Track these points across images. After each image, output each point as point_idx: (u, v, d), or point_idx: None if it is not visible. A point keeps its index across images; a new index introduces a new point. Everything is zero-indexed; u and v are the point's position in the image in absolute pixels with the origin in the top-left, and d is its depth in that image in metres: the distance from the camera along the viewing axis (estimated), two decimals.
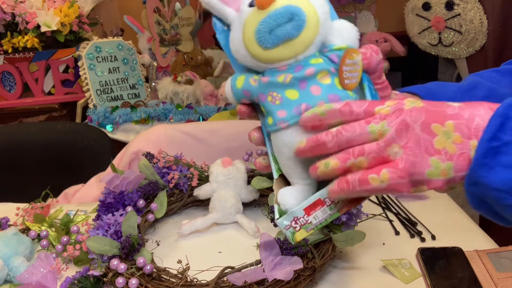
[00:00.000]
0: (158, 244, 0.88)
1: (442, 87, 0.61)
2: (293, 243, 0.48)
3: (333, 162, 0.42)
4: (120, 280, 0.71)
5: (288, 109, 0.47)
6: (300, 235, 0.48)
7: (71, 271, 0.80)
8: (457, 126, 0.40)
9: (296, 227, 0.48)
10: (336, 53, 0.47)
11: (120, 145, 1.47)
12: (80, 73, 1.76)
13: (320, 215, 0.47)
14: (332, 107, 0.44)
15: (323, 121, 0.44)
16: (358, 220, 0.79)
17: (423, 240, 0.87)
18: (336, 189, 0.43)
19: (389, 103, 0.43)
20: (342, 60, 0.46)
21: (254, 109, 0.52)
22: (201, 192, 0.96)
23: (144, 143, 1.17)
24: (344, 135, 0.42)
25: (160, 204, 0.93)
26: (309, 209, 0.47)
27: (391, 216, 0.95)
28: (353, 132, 0.42)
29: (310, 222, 0.47)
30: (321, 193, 0.46)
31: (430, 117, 0.41)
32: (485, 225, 0.95)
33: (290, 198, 0.48)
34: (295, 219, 0.47)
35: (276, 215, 0.49)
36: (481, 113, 0.40)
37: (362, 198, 0.47)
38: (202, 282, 0.70)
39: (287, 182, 0.51)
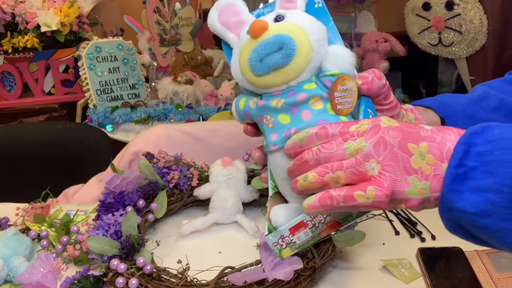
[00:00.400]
0: (158, 244, 0.88)
1: (453, 99, 0.61)
2: (280, 260, 0.50)
3: (311, 176, 0.44)
4: (120, 280, 0.71)
5: (279, 132, 0.49)
6: (286, 253, 0.50)
7: (71, 271, 0.80)
8: (430, 148, 0.41)
9: (282, 245, 0.49)
10: (329, 79, 0.48)
11: (120, 145, 1.47)
12: (80, 73, 1.76)
13: (303, 236, 0.49)
14: (309, 132, 0.45)
15: (303, 147, 0.46)
16: (358, 220, 0.79)
17: (423, 240, 0.87)
18: (317, 204, 0.43)
19: (365, 121, 0.44)
20: (333, 86, 0.47)
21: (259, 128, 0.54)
22: (201, 192, 0.96)
23: (144, 143, 1.17)
24: (323, 152, 0.44)
25: (160, 204, 0.93)
26: (293, 230, 0.49)
27: (391, 216, 0.95)
28: (331, 149, 0.43)
29: (294, 242, 0.49)
30: (304, 216, 0.48)
31: (406, 137, 0.42)
32: None
33: (281, 216, 0.50)
34: (282, 237, 0.49)
35: (266, 232, 0.50)
36: (452, 138, 0.41)
37: (342, 224, 0.48)
38: (202, 282, 0.70)
39: (281, 200, 0.52)
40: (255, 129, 0.54)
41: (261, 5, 0.55)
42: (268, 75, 0.47)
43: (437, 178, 0.41)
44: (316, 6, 0.52)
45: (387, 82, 0.51)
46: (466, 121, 0.58)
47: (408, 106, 0.58)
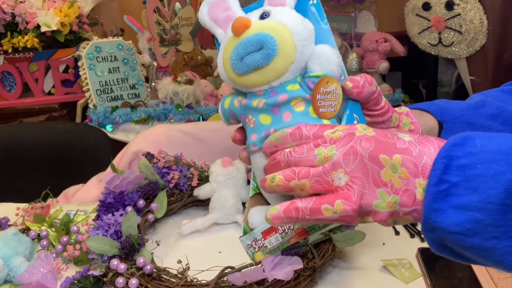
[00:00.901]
0: (158, 244, 0.88)
1: (450, 104, 0.60)
2: (254, 263, 0.50)
3: (278, 178, 0.43)
4: (120, 280, 0.71)
5: (259, 133, 0.48)
6: (258, 257, 0.50)
7: (71, 271, 0.80)
8: (404, 161, 0.39)
9: (255, 248, 0.49)
10: (312, 80, 0.46)
11: (120, 145, 1.47)
12: (80, 73, 1.76)
13: (274, 241, 0.48)
14: (284, 132, 0.45)
15: (278, 147, 0.45)
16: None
17: (423, 240, 0.87)
18: (281, 215, 0.42)
19: (340, 127, 0.43)
20: (316, 88, 0.46)
21: None
22: (201, 192, 0.96)
23: (144, 143, 1.17)
24: (293, 156, 0.43)
25: (160, 204, 0.93)
26: (265, 234, 0.49)
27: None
28: (301, 153, 0.42)
29: (266, 246, 0.49)
30: None
31: (379, 148, 0.40)
32: None
33: (258, 218, 0.50)
34: (255, 240, 0.49)
35: (241, 233, 0.50)
36: (431, 152, 0.39)
37: (309, 232, 0.47)
38: (202, 282, 0.70)
39: (262, 201, 0.52)
40: (243, 137, 0.53)
41: None
42: (248, 74, 0.47)
43: (408, 193, 0.39)
44: (310, 2, 0.51)
45: (378, 88, 0.50)
46: (463, 127, 0.57)
47: (404, 109, 0.57)
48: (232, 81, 0.49)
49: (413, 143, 0.41)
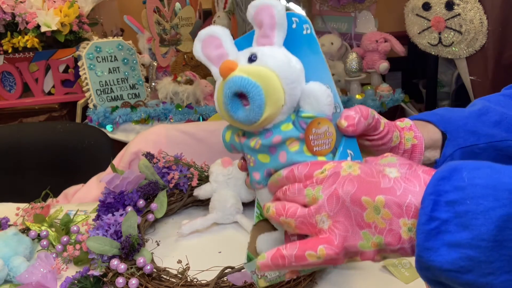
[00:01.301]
0: (158, 244, 0.88)
1: (453, 113, 0.59)
2: None
3: (271, 210, 0.45)
4: (120, 280, 0.71)
5: (261, 171, 0.49)
6: (261, 283, 0.50)
7: (71, 271, 0.80)
8: (387, 202, 0.39)
9: (258, 275, 0.50)
10: (304, 120, 0.47)
11: (120, 145, 1.47)
12: (80, 73, 1.76)
13: (272, 273, 0.49)
14: (281, 174, 0.47)
15: (278, 187, 0.47)
16: None
17: None
18: (269, 263, 0.43)
19: (327, 166, 0.44)
20: (307, 130, 0.46)
21: None
22: (201, 192, 0.96)
23: (144, 143, 1.17)
24: (287, 194, 0.45)
25: (160, 204, 0.93)
26: None
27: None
28: (293, 193, 0.44)
29: (266, 276, 0.49)
30: None
31: (362, 190, 0.40)
32: None
33: (265, 245, 0.51)
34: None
35: (245, 260, 0.52)
36: (416, 190, 0.39)
37: (299, 272, 0.48)
38: (202, 282, 0.70)
39: (266, 227, 0.53)
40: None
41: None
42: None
43: (392, 233, 0.39)
44: (304, 32, 0.49)
45: (376, 115, 0.50)
46: (467, 136, 0.56)
47: (407, 122, 0.56)
48: (228, 121, 0.50)
49: (399, 180, 0.40)
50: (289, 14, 0.49)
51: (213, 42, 0.51)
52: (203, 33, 0.51)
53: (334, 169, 0.43)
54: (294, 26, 0.50)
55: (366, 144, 0.52)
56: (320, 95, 0.46)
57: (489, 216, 0.35)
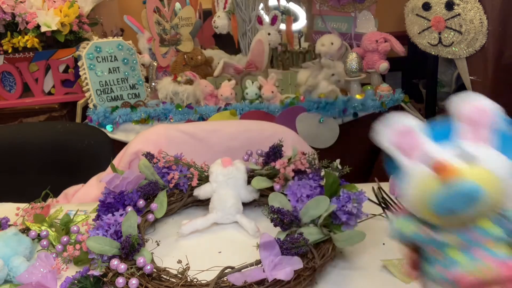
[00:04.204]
0: (158, 244, 0.88)
1: None
2: None
3: None
4: (120, 280, 0.71)
5: (449, 267, 0.46)
6: None
7: (71, 271, 0.80)
8: None
9: None
10: None
11: (120, 145, 1.47)
12: (80, 73, 1.76)
13: None
14: (494, 270, 0.43)
15: (483, 286, 0.44)
16: (358, 220, 0.79)
17: None
18: None
19: None
20: None
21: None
22: (201, 192, 0.96)
23: (144, 143, 1.17)
24: None
25: (160, 204, 0.92)
26: None
27: (392, 216, 0.95)
28: None
29: None
30: None
31: None
32: None
33: None
34: None
35: None
36: None
37: None
38: (202, 282, 0.70)
39: None
40: (417, 263, 0.51)
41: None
42: (449, 217, 0.44)
43: None
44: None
45: None
46: None
47: None
48: (423, 217, 0.46)
49: None
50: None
51: (407, 133, 0.48)
52: (397, 121, 0.48)
53: None
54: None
55: None
56: None
57: None
